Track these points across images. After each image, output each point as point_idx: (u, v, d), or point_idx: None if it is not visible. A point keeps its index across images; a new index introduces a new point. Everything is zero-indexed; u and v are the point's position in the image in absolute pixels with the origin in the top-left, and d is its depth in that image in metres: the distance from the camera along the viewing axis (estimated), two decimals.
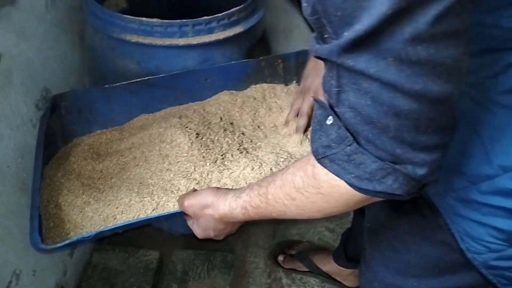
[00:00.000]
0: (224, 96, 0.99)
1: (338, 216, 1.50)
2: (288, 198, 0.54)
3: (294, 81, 1.06)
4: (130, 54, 0.95)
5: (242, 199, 0.61)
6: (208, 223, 0.67)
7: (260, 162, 0.80)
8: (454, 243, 0.60)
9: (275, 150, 0.84)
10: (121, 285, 1.23)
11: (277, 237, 1.46)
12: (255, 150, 0.84)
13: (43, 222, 0.75)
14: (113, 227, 0.70)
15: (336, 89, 0.42)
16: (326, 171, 0.47)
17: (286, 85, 1.06)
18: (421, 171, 0.42)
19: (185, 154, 0.81)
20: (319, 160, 0.47)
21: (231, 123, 0.93)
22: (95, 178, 0.83)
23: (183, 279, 1.26)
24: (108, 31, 0.92)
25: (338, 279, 1.32)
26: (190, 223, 0.73)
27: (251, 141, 0.88)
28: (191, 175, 0.78)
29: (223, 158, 0.81)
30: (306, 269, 1.34)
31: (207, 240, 0.74)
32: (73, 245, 0.74)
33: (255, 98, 1.01)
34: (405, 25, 0.35)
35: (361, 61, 0.38)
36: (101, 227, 0.73)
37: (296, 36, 1.36)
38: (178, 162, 0.81)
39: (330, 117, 0.44)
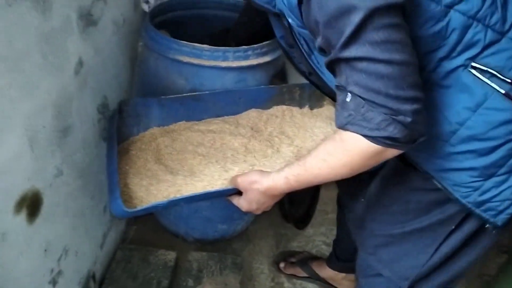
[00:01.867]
0: (252, 113, 1.21)
1: (334, 232, 1.69)
2: (322, 161, 0.75)
3: (307, 106, 1.29)
4: (180, 72, 1.17)
5: (284, 172, 0.82)
6: (253, 195, 0.87)
7: (281, 155, 1.03)
8: (450, 195, 0.83)
9: (289, 148, 1.08)
10: (142, 279, 1.37)
11: (279, 248, 1.63)
12: (278, 148, 1.06)
13: None
14: (180, 197, 0.88)
15: (344, 77, 0.68)
16: (349, 133, 0.69)
17: (301, 108, 1.29)
18: (408, 118, 0.65)
19: (230, 149, 1.02)
20: (343, 127, 0.70)
21: (258, 132, 1.15)
22: (153, 166, 1.01)
23: (198, 276, 1.41)
24: (164, 52, 1.15)
25: (334, 284, 1.49)
26: (235, 200, 0.92)
27: (274, 143, 1.10)
28: (234, 164, 0.99)
29: (256, 152, 1.02)
30: (305, 275, 1.51)
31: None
32: (149, 210, 0.87)
33: (276, 116, 1.23)
34: (368, 25, 0.62)
35: (352, 51, 0.64)
36: (171, 198, 0.89)
37: None
38: (222, 154, 1.01)
39: (349, 95, 0.68)
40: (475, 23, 0.72)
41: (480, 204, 0.82)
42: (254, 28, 1.26)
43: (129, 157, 1.04)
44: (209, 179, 0.95)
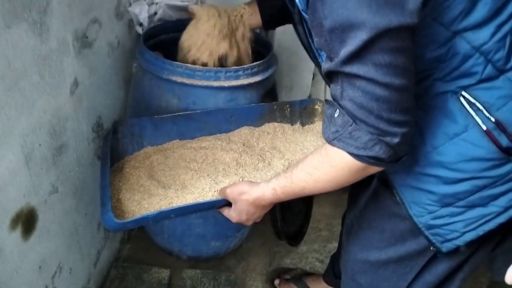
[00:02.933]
0: (244, 130, 1.24)
1: (327, 249, 1.71)
2: (308, 175, 0.77)
3: (298, 122, 1.33)
4: (173, 92, 1.21)
5: (272, 183, 0.84)
6: (243, 206, 0.89)
7: (272, 168, 1.05)
8: (405, 211, 0.84)
9: (280, 161, 1.10)
10: None
11: (273, 265, 1.64)
12: (269, 162, 1.09)
13: None
14: (170, 209, 0.90)
15: (340, 90, 0.68)
16: (335, 149, 0.71)
17: (292, 125, 1.32)
18: (396, 139, 0.67)
19: (221, 164, 1.04)
20: (330, 143, 0.72)
21: (250, 147, 1.18)
22: (145, 182, 1.03)
23: None
24: (157, 72, 1.19)
25: None
26: (226, 212, 0.94)
27: (266, 157, 1.13)
28: (225, 177, 1.01)
29: (247, 166, 1.05)
30: None
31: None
32: (139, 222, 0.90)
33: (268, 133, 1.26)
34: (375, 46, 0.61)
35: (353, 68, 0.64)
36: (161, 209, 0.91)
37: (295, 91, 1.68)
38: (214, 168, 1.04)
39: (337, 111, 0.69)
40: (477, 55, 0.71)
41: (430, 227, 0.82)
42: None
43: (122, 174, 1.07)
44: (200, 192, 0.97)
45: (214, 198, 0.95)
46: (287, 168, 0.85)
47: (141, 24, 1.40)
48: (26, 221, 0.92)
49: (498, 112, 0.73)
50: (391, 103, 0.65)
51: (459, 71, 0.73)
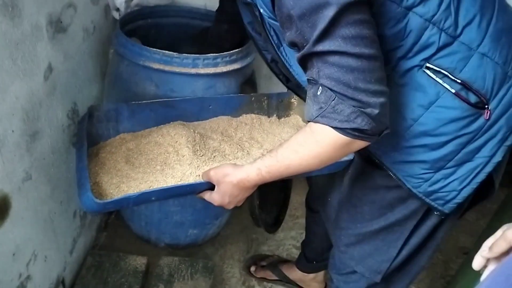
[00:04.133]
0: (223, 119, 1.24)
1: (304, 236, 1.73)
2: (293, 152, 0.79)
3: (275, 115, 1.33)
4: (151, 79, 1.20)
5: (256, 163, 0.84)
6: (226, 188, 0.88)
7: (251, 157, 1.07)
8: (403, 185, 0.89)
9: (259, 151, 1.11)
10: (113, 284, 1.37)
11: (250, 252, 1.66)
12: (248, 151, 1.10)
13: None
14: (153, 190, 0.89)
15: (316, 70, 0.71)
16: (319, 125, 0.73)
17: (269, 117, 1.33)
18: (376, 110, 0.70)
19: (201, 150, 1.05)
20: (314, 120, 0.73)
21: (228, 137, 1.18)
22: (123, 167, 1.02)
23: (169, 281, 1.42)
24: (135, 59, 1.17)
25: (303, 286, 1.53)
26: (207, 195, 0.93)
27: (244, 146, 1.13)
28: (205, 162, 1.02)
29: (227, 154, 1.06)
30: (276, 278, 1.55)
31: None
32: (119, 204, 0.89)
33: (246, 124, 1.26)
34: (341, 21, 0.66)
35: (325, 45, 0.68)
36: (143, 190, 0.90)
37: (274, 81, 1.67)
38: (193, 153, 1.04)
39: (320, 88, 0.71)
40: (431, 26, 0.77)
41: (429, 194, 0.88)
42: (231, 32, 1.29)
43: (98, 159, 1.05)
44: (181, 176, 0.97)
45: (199, 180, 0.94)
46: (271, 149, 0.86)
47: (118, 9, 1.38)
48: None
49: (461, 74, 0.80)
50: (365, 72, 0.69)
51: (419, 45, 0.78)
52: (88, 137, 1.08)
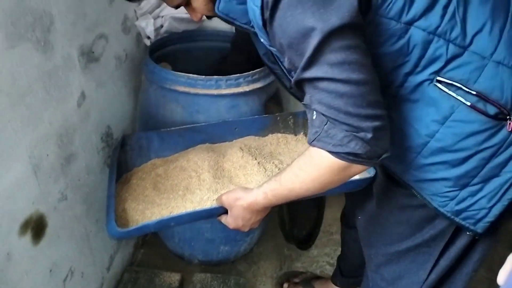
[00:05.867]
0: (249, 139, 1.27)
1: (338, 253, 1.71)
2: (294, 176, 0.80)
3: (302, 132, 1.34)
4: (177, 101, 1.25)
5: (263, 187, 0.87)
6: (238, 212, 0.91)
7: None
8: (429, 204, 0.86)
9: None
10: None
11: (283, 269, 1.65)
12: (271, 172, 1.12)
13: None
14: (169, 217, 0.94)
15: (309, 96, 0.73)
16: (316, 149, 0.74)
17: (295, 135, 1.34)
18: (369, 135, 0.69)
19: (222, 171, 1.08)
20: (311, 144, 0.75)
21: (252, 157, 1.20)
22: (150, 192, 1.08)
23: None
24: (162, 83, 1.24)
25: None
26: (223, 219, 0.97)
27: (267, 168, 1.15)
28: (222, 185, 1.04)
29: (248, 175, 1.08)
30: None
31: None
32: (141, 231, 0.94)
33: (271, 144, 1.28)
34: (326, 48, 0.67)
35: (312, 72, 0.69)
36: (160, 218, 0.95)
37: None
38: (213, 176, 1.07)
39: (314, 113, 0.72)
40: (436, 38, 0.75)
41: (458, 213, 0.84)
42: (247, 56, 1.33)
43: (130, 185, 1.11)
44: (199, 200, 1.01)
45: (213, 206, 0.98)
46: (278, 172, 0.87)
47: (149, 37, 1.46)
48: (36, 227, 0.98)
49: (476, 85, 0.76)
50: (355, 97, 0.68)
51: (426, 59, 0.76)
52: (123, 164, 1.16)
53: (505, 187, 0.81)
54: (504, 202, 0.82)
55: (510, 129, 0.78)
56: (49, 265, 1.05)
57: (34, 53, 0.91)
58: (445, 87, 0.77)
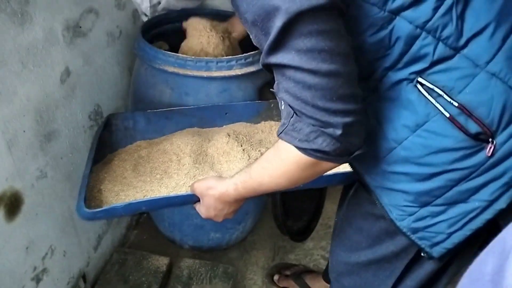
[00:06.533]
0: (239, 125, 1.22)
1: None
2: (263, 169, 0.74)
3: None
4: (166, 82, 1.21)
5: (234, 178, 0.81)
6: (210, 202, 0.86)
7: None
8: (386, 215, 0.78)
9: None
10: (133, 283, 1.40)
11: (276, 260, 1.61)
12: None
13: (87, 202, 0.92)
14: (138, 201, 0.90)
15: (276, 83, 0.65)
16: (284, 142, 0.67)
17: None
18: (338, 131, 0.61)
19: (205, 156, 1.04)
20: (279, 136, 0.68)
21: (239, 143, 1.15)
22: (129, 174, 1.04)
23: (187, 283, 1.42)
24: (152, 63, 1.19)
25: None
26: (197, 207, 0.93)
27: (251, 155, 1.10)
28: (201, 170, 1.00)
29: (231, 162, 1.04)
30: None
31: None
32: (108, 213, 0.91)
33: (263, 131, 1.23)
34: (293, 31, 0.58)
35: (278, 57, 0.60)
36: (130, 201, 0.92)
37: None
38: (194, 161, 1.03)
39: (282, 102, 0.65)
40: (424, 34, 0.64)
41: (414, 230, 0.76)
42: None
43: (110, 166, 1.08)
44: (174, 186, 0.97)
45: (185, 192, 0.94)
46: (250, 163, 0.82)
47: (146, 15, 1.41)
48: (10, 204, 0.96)
49: (460, 95, 0.66)
50: (324, 90, 0.60)
51: (409, 55, 0.66)
52: (107, 144, 1.12)
53: (471, 215, 0.72)
54: (466, 231, 0.73)
55: (489, 154, 0.67)
56: (25, 242, 1.03)
57: (10, 25, 0.87)
58: (425, 90, 0.68)
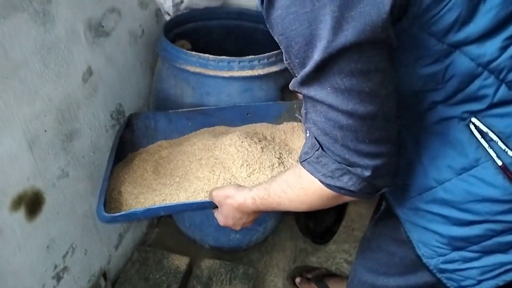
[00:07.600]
0: (261, 126, 1.20)
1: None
2: (282, 192, 0.71)
3: None
4: (188, 81, 1.19)
5: (253, 192, 0.79)
6: (228, 211, 0.84)
7: (285, 167, 1.01)
8: (413, 250, 0.74)
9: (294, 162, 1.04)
10: (153, 281, 1.40)
11: (297, 262, 1.58)
12: (282, 161, 1.04)
13: (107, 204, 0.93)
14: (157, 207, 0.90)
15: (305, 111, 0.61)
16: (305, 171, 0.64)
17: None
18: (367, 173, 0.58)
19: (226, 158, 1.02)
20: (301, 163, 0.65)
21: (266, 138, 1.13)
22: (149, 176, 1.04)
23: (207, 283, 1.41)
24: (174, 62, 1.18)
25: None
26: (216, 213, 0.91)
27: (281, 153, 1.07)
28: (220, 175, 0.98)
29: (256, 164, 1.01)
30: None
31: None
32: (127, 217, 0.91)
33: (284, 132, 1.20)
34: (333, 66, 0.52)
35: (311, 91, 0.56)
36: (149, 206, 0.92)
37: None
38: (214, 164, 1.01)
39: (308, 131, 0.62)
40: (485, 74, 0.57)
41: (442, 271, 0.72)
42: None
43: (131, 166, 1.08)
44: (192, 191, 0.95)
45: (204, 199, 0.92)
46: (270, 178, 0.79)
47: (168, 14, 1.40)
48: (30, 203, 0.96)
49: None
50: (357, 132, 0.56)
51: (464, 94, 0.60)
52: (129, 143, 1.12)
53: (507, 267, 0.67)
54: (499, 282, 0.68)
55: None
56: (46, 241, 1.04)
57: (32, 25, 0.87)
58: (478, 133, 0.61)
